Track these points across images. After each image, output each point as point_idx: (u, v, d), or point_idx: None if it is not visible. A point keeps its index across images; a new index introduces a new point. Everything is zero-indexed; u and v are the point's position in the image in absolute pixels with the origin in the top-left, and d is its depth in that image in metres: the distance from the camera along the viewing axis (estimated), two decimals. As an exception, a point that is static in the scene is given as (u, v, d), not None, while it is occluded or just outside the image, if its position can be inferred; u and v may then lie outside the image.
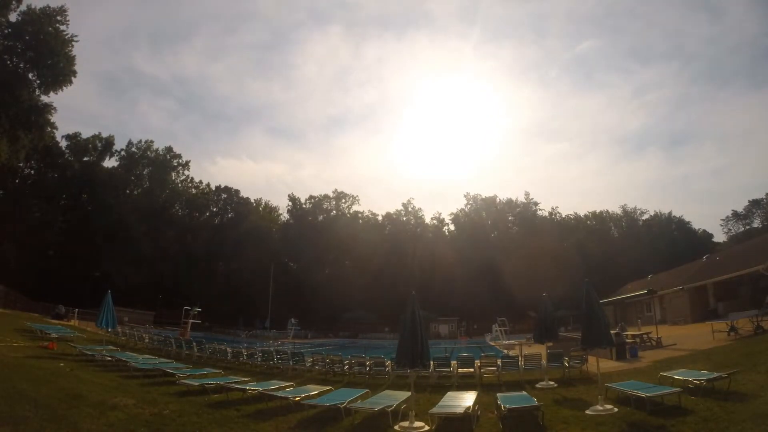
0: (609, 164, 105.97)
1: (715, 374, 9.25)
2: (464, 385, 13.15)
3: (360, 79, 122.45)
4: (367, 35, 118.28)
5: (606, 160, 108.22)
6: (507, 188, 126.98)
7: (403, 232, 69.28)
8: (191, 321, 32.18)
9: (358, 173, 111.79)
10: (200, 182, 70.29)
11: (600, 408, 8.73)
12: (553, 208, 71.66)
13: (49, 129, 45.17)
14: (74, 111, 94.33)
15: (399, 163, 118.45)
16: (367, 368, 15.25)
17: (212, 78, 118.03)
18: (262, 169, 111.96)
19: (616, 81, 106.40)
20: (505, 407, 8.35)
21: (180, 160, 66.51)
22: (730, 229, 71.50)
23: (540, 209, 70.87)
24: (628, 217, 72.31)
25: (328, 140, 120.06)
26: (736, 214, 71.04)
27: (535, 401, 8.81)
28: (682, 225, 68.63)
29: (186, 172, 67.53)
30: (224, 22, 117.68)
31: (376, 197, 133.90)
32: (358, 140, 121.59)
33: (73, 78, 42.10)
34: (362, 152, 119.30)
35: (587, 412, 8.79)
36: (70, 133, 56.85)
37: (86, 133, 59.16)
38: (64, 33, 41.18)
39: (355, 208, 73.13)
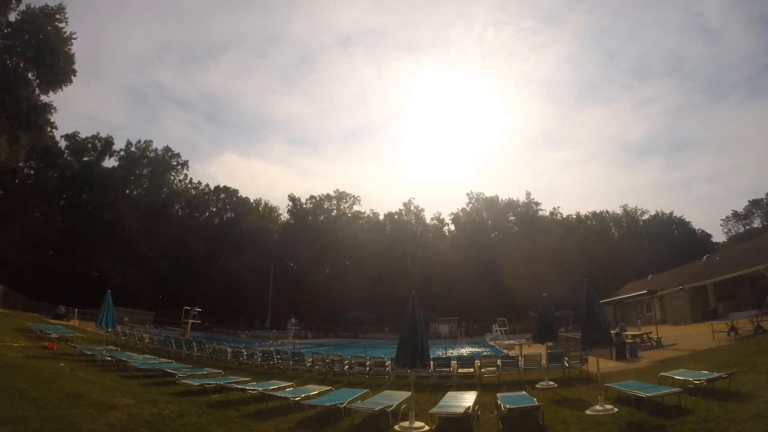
0: (611, 170, 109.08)
1: (715, 374, 9.25)
2: (464, 385, 13.15)
3: (377, 95, 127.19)
4: (388, 56, 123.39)
5: (609, 166, 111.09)
6: (510, 191, 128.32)
7: (403, 231, 69.19)
8: (191, 321, 32.14)
9: (364, 176, 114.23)
10: (199, 182, 70.38)
11: (600, 408, 8.73)
12: (554, 208, 71.71)
13: (49, 129, 45.10)
14: (99, 122, 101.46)
15: (404, 165, 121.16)
16: (367, 368, 15.25)
17: (237, 94, 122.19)
18: (274, 175, 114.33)
19: (618, 95, 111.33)
20: (505, 407, 8.35)
21: (179, 160, 66.45)
22: (730, 230, 71.54)
23: (541, 209, 70.90)
24: (629, 217, 72.21)
25: (341, 149, 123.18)
26: (736, 215, 71.01)
27: (535, 401, 8.82)
28: (682, 225, 68.54)
29: (185, 172, 67.54)
30: (254, 45, 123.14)
31: (379, 198, 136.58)
32: (368, 148, 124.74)
33: (72, 77, 42.02)
34: (369, 157, 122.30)
35: (587, 412, 8.79)
36: (69, 132, 57.00)
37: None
38: (63, 31, 41.13)
39: (355, 208, 73.19)
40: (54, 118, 43.60)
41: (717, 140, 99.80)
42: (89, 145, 58.36)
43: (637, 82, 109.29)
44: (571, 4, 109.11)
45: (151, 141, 64.59)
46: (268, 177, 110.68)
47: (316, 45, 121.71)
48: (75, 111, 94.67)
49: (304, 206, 71.72)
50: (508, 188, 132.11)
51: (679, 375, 9.95)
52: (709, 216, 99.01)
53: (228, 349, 19.36)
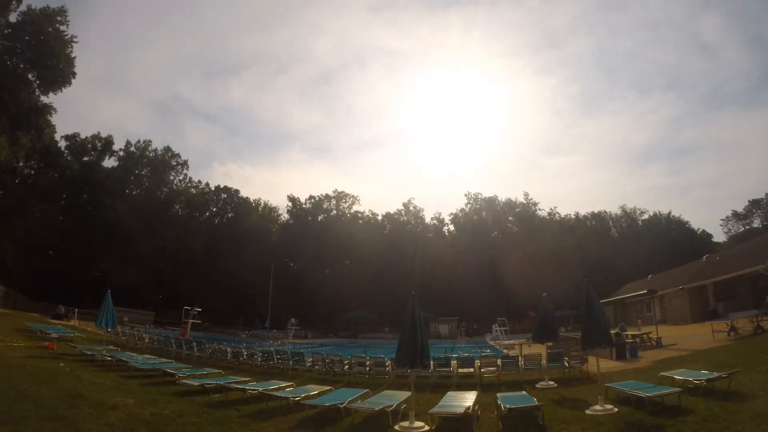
0: (614, 176, 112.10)
1: (715, 374, 9.25)
2: (464, 385, 13.15)
3: (389, 106, 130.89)
4: (402, 71, 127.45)
5: (611, 172, 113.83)
6: (512, 194, 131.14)
7: (403, 231, 69.25)
8: (191, 321, 32.14)
9: (372, 182, 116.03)
10: (199, 182, 70.34)
11: (600, 408, 8.74)
12: (551, 209, 71.76)
13: (48, 130, 45.09)
14: (123, 131, 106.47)
15: (408, 168, 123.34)
16: (367, 368, 15.25)
17: (256, 106, 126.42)
18: (285, 182, 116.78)
19: (619, 107, 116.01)
20: (505, 407, 8.36)
21: (179, 160, 66.45)
22: (730, 229, 71.50)
23: (540, 209, 70.97)
24: (628, 217, 72.22)
25: (350, 158, 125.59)
26: (735, 214, 70.98)
27: (535, 401, 8.82)
28: (681, 225, 68.57)
29: (185, 172, 67.51)
30: (277, 63, 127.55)
31: (380, 198, 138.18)
32: (377, 156, 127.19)
33: (72, 79, 42.01)
34: (377, 163, 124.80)
35: (587, 412, 8.80)
36: (69, 133, 56.99)
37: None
38: (64, 34, 41.07)
39: (355, 208, 73.22)
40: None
41: (715, 147, 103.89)
42: (89, 145, 58.36)
43: (637, 96, 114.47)
44: (573, 28, 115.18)
45: (150, 141, 64.46)
46: (280, 184, 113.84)
47: (336, 63, 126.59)
48: (97, 120, 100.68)
49: (304, 206, 71.75)
50: (512, 192, 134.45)
51: (679, 375, 9.95)
52: (709, 217, 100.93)
53: (228, 349, 19.34)
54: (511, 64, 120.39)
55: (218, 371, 14.50)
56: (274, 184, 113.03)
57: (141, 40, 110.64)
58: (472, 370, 14.72)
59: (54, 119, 43.69)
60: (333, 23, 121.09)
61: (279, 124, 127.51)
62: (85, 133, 60.38)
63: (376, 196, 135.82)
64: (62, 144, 55.44)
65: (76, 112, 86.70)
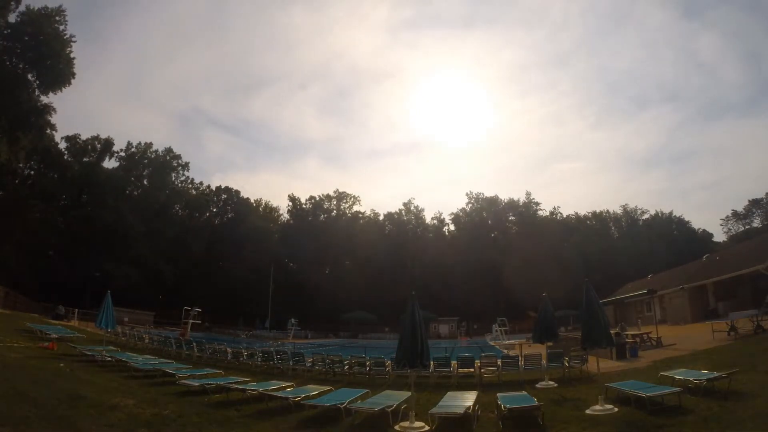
0: (615, 180, 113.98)
1: (715, 374, 9.24)
2: (464, 385, 13.15)
3: (400, 115, 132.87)
4: (413, 83, 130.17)
5: (612, 176, 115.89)
6: (512, 194, 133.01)
7: (403, 231, 69.27)
8: (191, 321, 32.13)
9: (376, 184, 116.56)
10: (201, 183, 70.39)
11: (600, 408, 8.73)
12: (554, 208, 71.80)
13: (49, 130, 45.14)
14: (138, 139, 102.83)
15: (411, 172, 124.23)
16: (367, 368, 15.24)
17: (274, 119, 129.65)
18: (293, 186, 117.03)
19: (620, 118, 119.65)
20: (505, 407, 8.36)
21: (180, 161, 66.54)
22: (730, 229, 71.45)
23: (541, 209, 70.97)
24: (628, 216, 72.22)
25: (362, 163, 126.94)
26: (735, 214, 70.97)
27: (535, 401, 8.82)
28: (682, 225, 68.56)
29: (186, 173, 67.57)
30: (298, 80, 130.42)
31: (386, 202, 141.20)
32: (385, 162, 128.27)
33: (72, 79, 42.06)
34: (384, 169, 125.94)
35: (587, 412, 8.80)
36: (70, 134, 56.99)
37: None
38: (63, 33, 41.13)
39: (355, 208, 73.23)
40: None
41: (713, 153, 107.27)
42: (89, 146, 58.35)
43: (636, 108, 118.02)
44: (575, 47, 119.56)
45: (151, 143, 64.60)
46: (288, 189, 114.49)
47: (353, 81, 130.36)
48: (115, 128, 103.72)
49: (304, 206, 71.74)
50: (514, 193, 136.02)
51: (679, 375, 9.94)
52: (709, 218, 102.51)
53: (228, 349, 19.33)
54: (516, 80, 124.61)
55: (218, 371, 14.50)
56: (287, 192, 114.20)
57: (166, 54, 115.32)
58: (472, 370, 14.70)
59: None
60: (352, 44, 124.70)
61: (294, 136, 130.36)
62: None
63: (383, 201, 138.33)
64: (62, 145, 55.55)
65: (91, 118, 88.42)
